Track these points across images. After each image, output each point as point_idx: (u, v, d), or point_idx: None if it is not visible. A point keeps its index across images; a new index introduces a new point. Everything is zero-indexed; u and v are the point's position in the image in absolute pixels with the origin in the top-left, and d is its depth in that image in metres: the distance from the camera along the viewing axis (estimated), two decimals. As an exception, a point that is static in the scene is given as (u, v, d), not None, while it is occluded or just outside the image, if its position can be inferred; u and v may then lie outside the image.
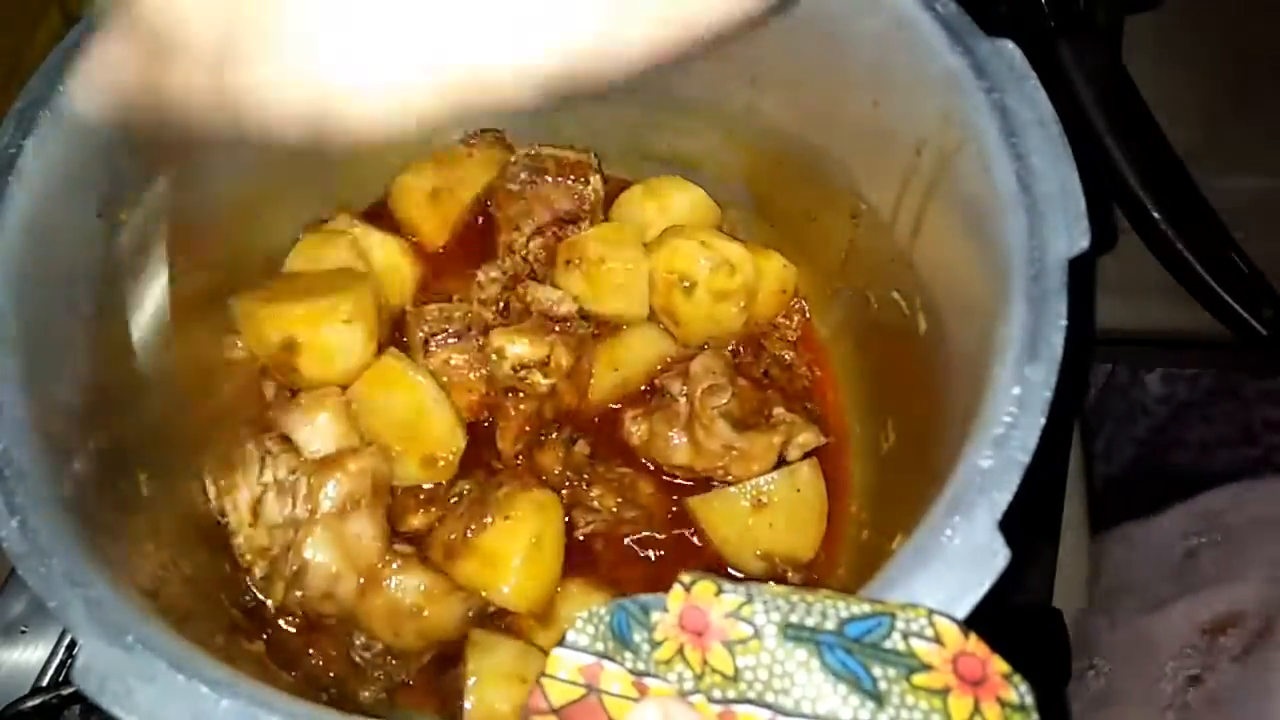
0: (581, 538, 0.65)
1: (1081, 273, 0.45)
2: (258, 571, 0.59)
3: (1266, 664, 0.54)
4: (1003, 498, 0.40)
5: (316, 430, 0.62)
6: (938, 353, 0.57)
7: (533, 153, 0.72)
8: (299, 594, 0.58)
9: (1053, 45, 0.76)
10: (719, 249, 0.68)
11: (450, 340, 0.66)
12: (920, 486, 0.47)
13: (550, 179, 0.71)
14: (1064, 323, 0.44)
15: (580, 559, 0.64)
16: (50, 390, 0.48)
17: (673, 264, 0.68)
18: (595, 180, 0.72)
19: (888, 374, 0.67)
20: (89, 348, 0.52)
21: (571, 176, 0.72)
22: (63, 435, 0.48)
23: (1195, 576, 0.68)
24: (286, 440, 0.61)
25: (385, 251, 0.70)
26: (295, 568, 0.57)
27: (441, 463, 0.64)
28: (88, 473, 0.49)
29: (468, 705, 0.58)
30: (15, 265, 0.48)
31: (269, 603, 0.59)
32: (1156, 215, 0.75)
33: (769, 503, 0.64)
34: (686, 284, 0.68)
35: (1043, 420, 0.42)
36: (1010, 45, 0.50)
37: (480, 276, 0.70)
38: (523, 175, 0.72)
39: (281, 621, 0.60)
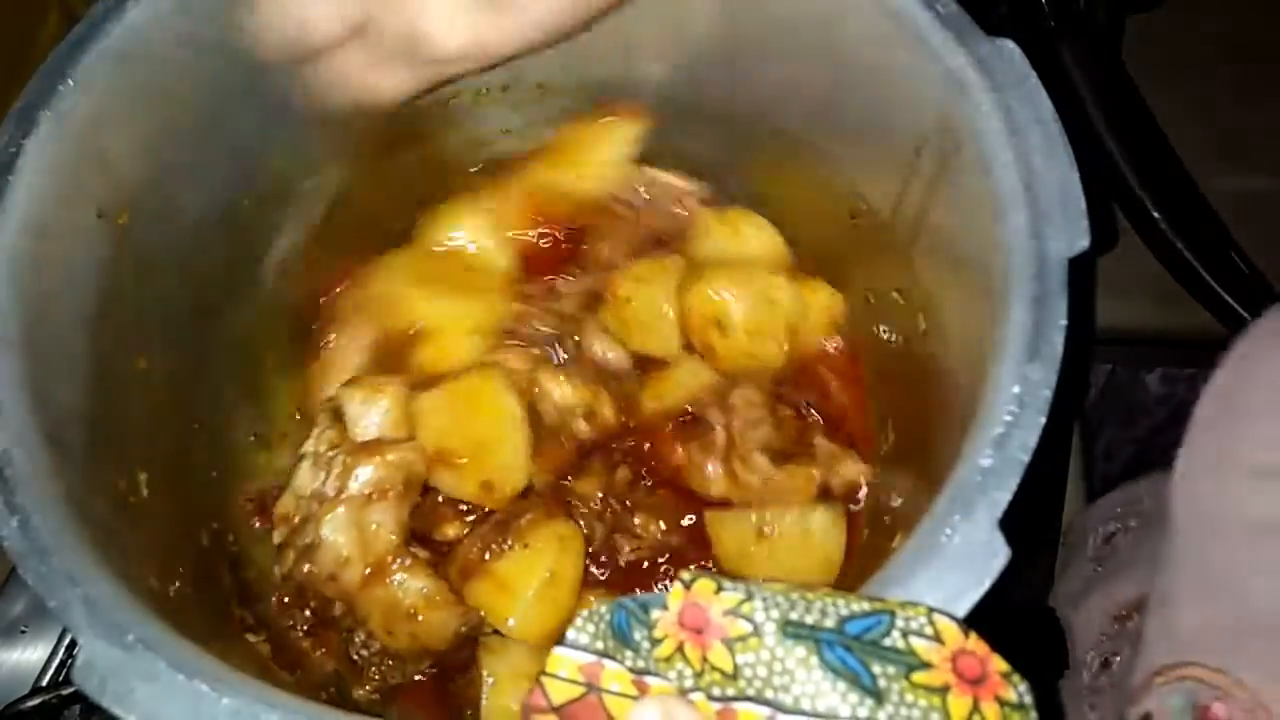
0: (623, 564, 0.64)
1: (1081, 273, 0.45)
2: (276, 537, 0.60)
3: (1143, 639, 0.55)
4: (1003, 497, 0.40)
5: (370, 414, 0.62)
6: (938, 353, 0.57)
7: (650, 173, 0.71)
8: (306, 568, 0.58)
9: (1053, 45, 0.76)
10: (758, 285, 0.66)
11: (516, 343, 0.66)
12: (920, 486, 0.47)
13: (654, 200, 0.71)
14: (1064, 322, 0.43)
15: (618, 587, 0.63)
16: (50, 390, 0.48)
17: (705, 304, 0.66)
18: (699, 212, 0.71)
19: (888, 374, 0.67)
20: (90, 347, 0.52)
21: (677, 203, 0.71)
22: (63, 435, 0.48)
23: (1111, 563, 0.69)
24: (338, 417, 0.62)
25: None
26: (309, 541, 0.58)
27: (497, 492, 0.63)
28: (88, 473, 0.49)
29: (484, 704, 0.58)
30: (15, 265, 0.48)
31: (276, 569, 0.59)
32: (1156, 215, 0.75)
33: (772, 535, 0.62)
34: (721, 323, 0.66)
35: (1043, 420, 0.42)
36: (1010, 45, 0.50)
37: (560, 286, 0.69)
38: (633, 193, 0.71)
39: (281, 600, 0.60)
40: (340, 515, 0.58)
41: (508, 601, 0.59)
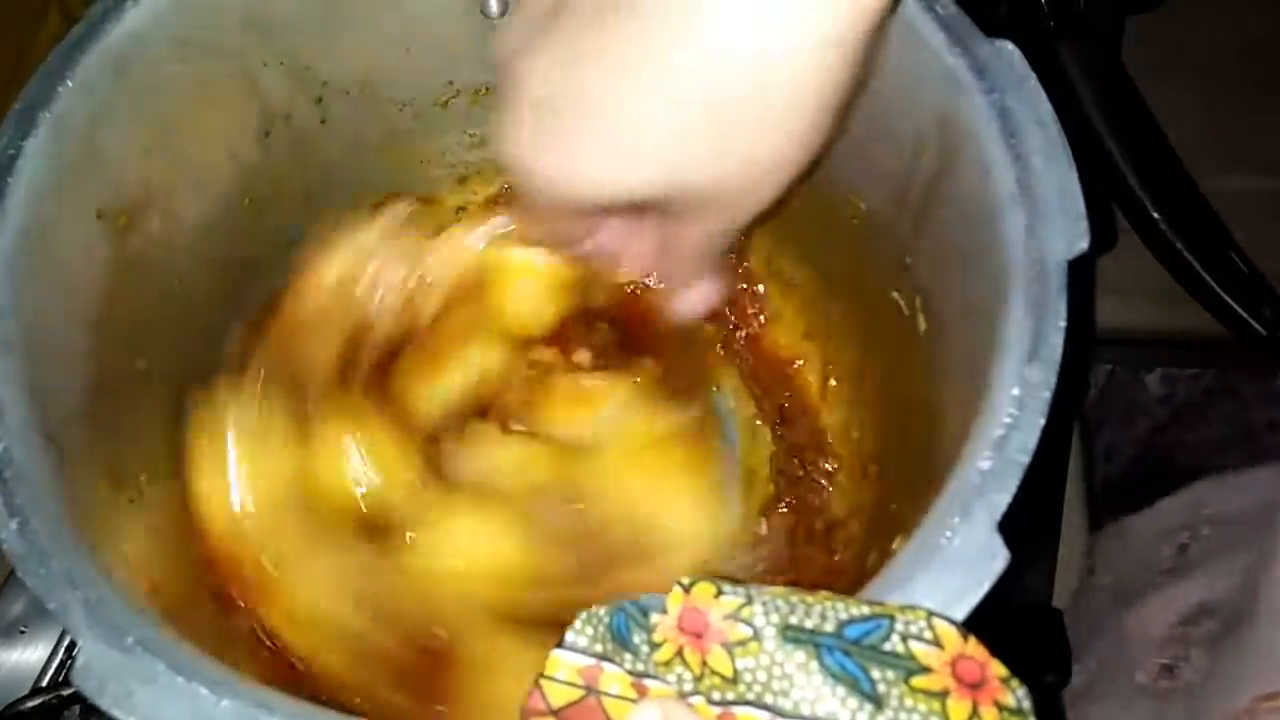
0: None
1: (1081, 273, 0.45)
2: None
3: (1239, 651, 0.54)
4: (1002, 499, 0.40)
5: None
6: (938, 353, 0.57)
7: None
8: None
9: (1053, 45, 0.76)
10: None
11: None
12: (920, 487, 0.47)
13: None
14: (1064, 323, 0.43)
15: None
16: (50, 391, 0.48)
17: None
18: None
19: (888, 374, 0.66)
20: (90, 348, 0.52)
21: None
22: (63, 435, 0.48)
23: (1182, 571, 0.68)
24: None
25: None
26: None
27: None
28: (88, 473, 0.49)
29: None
30: (15, 266, 0.48)
31: None
32: (1156, 215, 0.75)
33: None
34: None
35: (1043, 421, 0.42)
36: (1010, 46, 0.50)
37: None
38: None
39: None
40: None
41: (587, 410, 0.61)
